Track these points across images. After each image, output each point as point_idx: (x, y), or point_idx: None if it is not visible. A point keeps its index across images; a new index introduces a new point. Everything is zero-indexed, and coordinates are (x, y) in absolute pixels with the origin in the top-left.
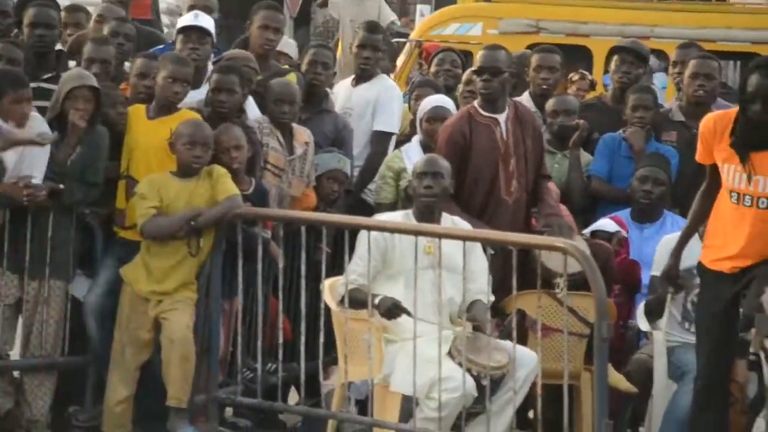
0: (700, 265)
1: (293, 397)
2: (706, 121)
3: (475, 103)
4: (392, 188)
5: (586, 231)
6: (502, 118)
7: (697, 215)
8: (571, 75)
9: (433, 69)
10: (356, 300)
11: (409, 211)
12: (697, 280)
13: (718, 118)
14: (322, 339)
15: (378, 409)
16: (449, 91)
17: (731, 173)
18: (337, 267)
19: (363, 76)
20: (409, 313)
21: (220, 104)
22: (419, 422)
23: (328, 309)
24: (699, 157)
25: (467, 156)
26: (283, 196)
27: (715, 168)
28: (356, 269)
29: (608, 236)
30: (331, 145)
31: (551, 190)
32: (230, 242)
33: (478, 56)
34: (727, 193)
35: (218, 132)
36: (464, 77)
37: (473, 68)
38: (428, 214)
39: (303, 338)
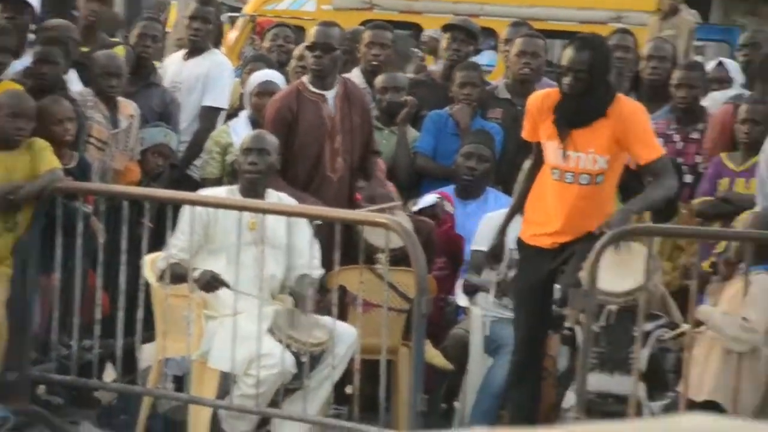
0: (519, 240)
1: (110, 374)
2: (534, 99)
3: (304, 78)
4: (218, 163)
5: (415, 209)
6: (330, 94)
7: (522, 192)
8: None
9: (266, 44)
10: (176, 275)
11: (234, 187)
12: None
13: (545, 96)
14: (140, 315)
15: (195, 385)
16: (282, 66)
17: (553, 150)
18: (159, 242)
19: (194, 50)
20: (228, 285)
21: (42, 76)
22: (236, 399)
23: (148, 285)
24: (525, 134)
25: (294, 131)
26: (105, 169)
27: (540, 146)
28: (177, 243)
29: (432, 212)
30: (158, 119)
31: (379, 166)
32: (50, 216)
33: (311, 32)
34: (549, 170)
35: (48, 103)
36: (296, 52)
37: (306, 44)
38: (253, 190)
39: (121, 314)
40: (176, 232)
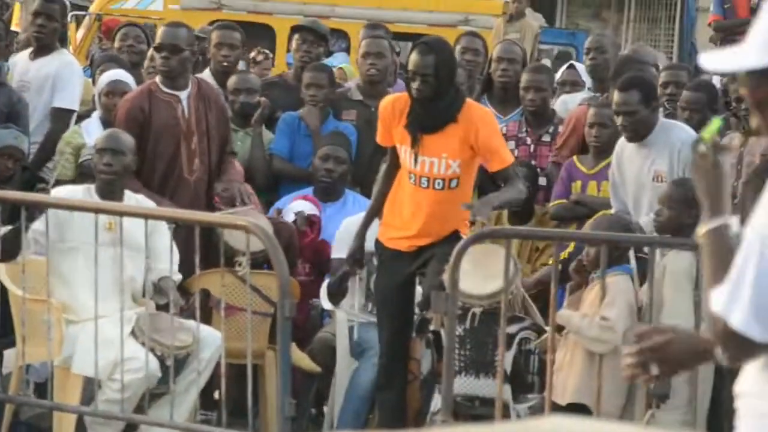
0: (377, 243)
1: None
2: (384, 104)
3: (157, 79)
4: (71, 165)
5: (288, 218)
6: (183, 95)
7: (379, 195)
8: (253, 54)
9: (116, 44)
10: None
11: (92, 186)
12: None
13: (396, 100)
14: None
15: (59, 392)
16: (135, 66)
17: (407, 155)
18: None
19: (40, 47)
20: None
21: None
22: (101, 404)
23: (5, 289)
24: (380, 139)
25: (147, 132)
26: None
27: (395, 149)
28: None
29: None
30: (6, 119)
31: (236, 167)
32: None
33: (159, 33)
34: (406, 174)
35: None
36: (149, 53)
37: (154, 45)
38: (110, 191)
39: None
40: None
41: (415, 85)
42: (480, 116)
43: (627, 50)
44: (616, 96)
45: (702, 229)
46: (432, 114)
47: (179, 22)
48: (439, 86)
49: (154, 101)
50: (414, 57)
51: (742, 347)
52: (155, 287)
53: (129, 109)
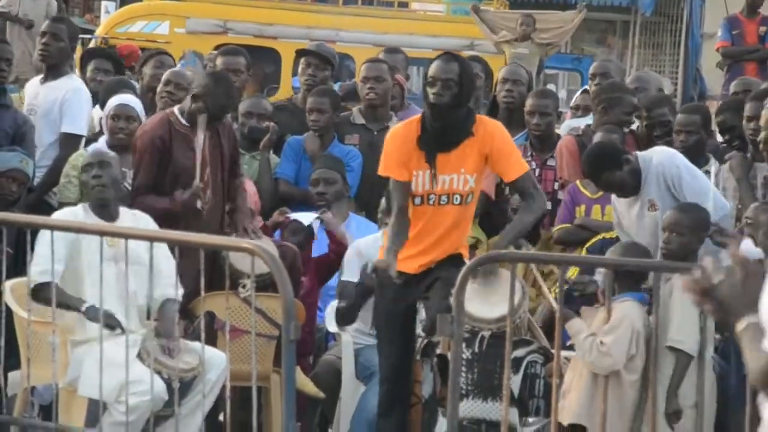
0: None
1: None
2: (395, 134)
3: (175, 109)
4: (76, 188)
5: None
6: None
7: (402, 229)
8: None
9: (150, 71)
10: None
11: (87, 204)
12: None
13: (405, 127)
14: (2, 342)
15: (64, 414)
16: (151, 91)
17: (425, 178)
18: (19, 268)
19: (49, 69)
20: (122, 328)
21: None
22: (107, 427)
23: (10, 311)
24: (396, 173)
25: (165, 162)
26: None
27: (405, 187)
28: (38, 268)
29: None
30: (12, 141)
31: (247, 190)
32: None
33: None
34: (423, 198)
35: None
36: (164, 77)
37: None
38: (103, 206)
39: None
40: (36, 257)
41: (434, 90)
42: (494, 126)
43: (632, 76)
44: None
45: (741, 325)
46: (449, 130)
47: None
48: (459, 95)
49: (173, 133)
50: (438, 63)
51: None
52: (157, 324)
53: (152, 138)
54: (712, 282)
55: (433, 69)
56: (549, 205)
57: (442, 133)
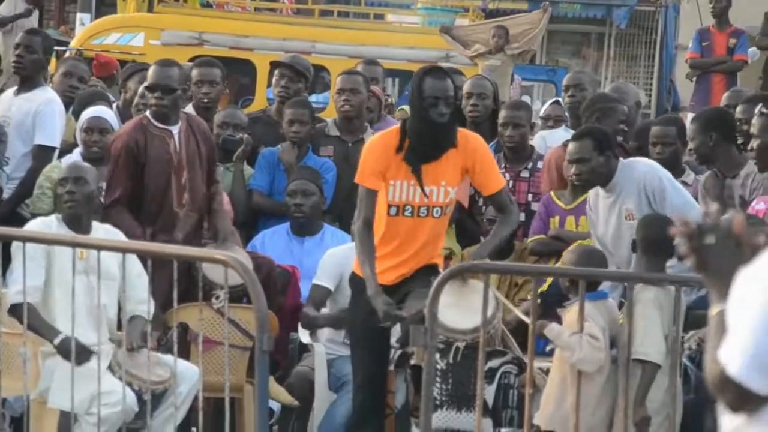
0: (355, 276)
1: None
2: (374, 144)
3: (147, 113)
4: (50, 199)
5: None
6: (175, 129)
7: (372, 249)
8: None
9: (133, 85)
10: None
11: (60, 215)
12: None
13: (385, 137)
14: None
15: (35, 426)
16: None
17: (408, 188)
18: None
19: (23, 81)
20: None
21: None
22: None
23: None
24: (369, 182)
25: (141, 166)
26: None
27: (373, 198)
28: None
29: None
30: None
31: (223, 198)
32: None
33: (150, 72)
34: (399, 209)
35: None
36: (139, 90)
37: (145, 84)
38: (76, 221)
39: None
40: (15, 275)
41: (437, 110)
42: (476, 140)
43: (607, 87)
44: (570, 146)
45: (714, 310)
46: (439, 141)
47: (170, 61)
48: (456, 110)
49: (148, 136)
50: (434, 82)
51: (740, 397)
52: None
53: (126, 142)
54: (703, 242)
55: (431, 88)
56: (522, 217)
57: (432, 147)
